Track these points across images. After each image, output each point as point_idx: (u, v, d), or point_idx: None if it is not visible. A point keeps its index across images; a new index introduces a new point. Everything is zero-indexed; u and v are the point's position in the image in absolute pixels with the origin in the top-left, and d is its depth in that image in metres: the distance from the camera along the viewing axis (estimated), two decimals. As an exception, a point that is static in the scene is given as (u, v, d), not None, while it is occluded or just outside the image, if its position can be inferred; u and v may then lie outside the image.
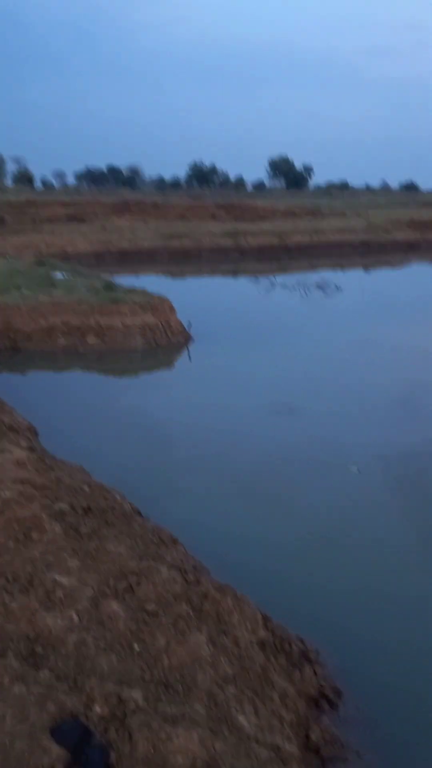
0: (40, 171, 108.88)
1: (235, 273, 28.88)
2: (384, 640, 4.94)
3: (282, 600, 5.36)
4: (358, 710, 4.25)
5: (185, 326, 15.23)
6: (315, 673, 4.39)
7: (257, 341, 14.99)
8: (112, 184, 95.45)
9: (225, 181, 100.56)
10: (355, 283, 25.74)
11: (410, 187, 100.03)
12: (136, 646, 3.97)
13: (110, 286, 16.72)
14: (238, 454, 8.44)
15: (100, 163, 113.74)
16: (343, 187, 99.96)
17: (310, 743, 3.84)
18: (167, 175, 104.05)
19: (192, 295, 22.13)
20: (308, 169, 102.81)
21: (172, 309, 15.43)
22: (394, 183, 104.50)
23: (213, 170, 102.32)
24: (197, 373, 12.94)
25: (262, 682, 4.09)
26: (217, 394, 11.10)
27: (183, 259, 30.68)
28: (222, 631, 4.40)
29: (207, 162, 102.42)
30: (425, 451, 8.41)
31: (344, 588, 5.63)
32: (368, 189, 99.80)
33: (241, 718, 3.63)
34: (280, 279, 24.06)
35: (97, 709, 3.38)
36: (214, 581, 5.10)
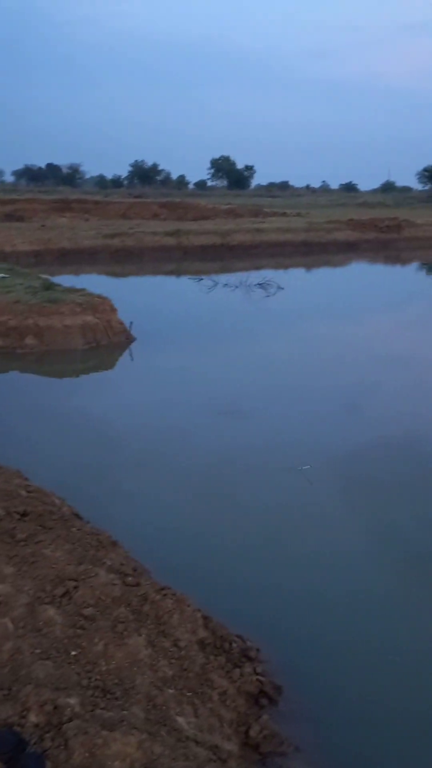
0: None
1: (177, 272, 28.83)
2: (325, 638, 5.02)
3: (224, 600, 5.39)
4: (298, 706, 4.30)
5: (127, 326, 15.11)
6: (255, 670, 4.41)
7: (200, 341, 15.01)
8: (51, 183, 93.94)
9: (167, 180, 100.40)
10: (296, 282, 26.06)
11: (350, 188, 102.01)
12: (73, 652, 3.92)
13: (49, 286, 16.44)
14: (181, 455, 8.42)
15: (39, 161, 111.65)
16: (284, 187, 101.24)
17: (249, 740, 3.87)
18: (108, 174, 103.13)
19: (134, 295, 21.98)
20: (250, 169, 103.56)
21: (113, 308, 15.28)
22: (334, 184, 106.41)
23: (155, 169, 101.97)
24: (139, 373, 12.86)
25: (201, 682, 4.09)
26: (160, 395, 11.06)
27: (125, 259, 30.44)
28: (161, 632, 4.38)
29: (149, 161, 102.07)
30: (370, 451, 8.54)
31: (287, 587, 5.69)
32: (309, 189, 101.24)
33: (180, 720, 3.62)
34: (222, 278, 24.14)
35: (33, 717, 3.32)
36: (155, 583, 5.07)
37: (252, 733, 3.90)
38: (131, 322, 15.15)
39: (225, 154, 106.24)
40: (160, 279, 27.45)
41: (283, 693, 4.37)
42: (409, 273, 31.15)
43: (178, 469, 7.99)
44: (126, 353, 14.24)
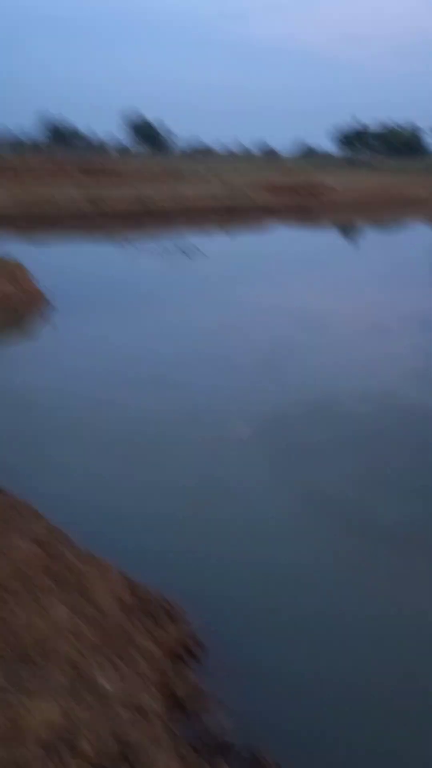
0: None
1: (97, 239, 28.20)
2: (250, 600, 5.12)
3: (152, 566, 5.41)
4: (222, 663, 4.40)
5: (46, 294, 14.72)
6: (180, 631, 4.49)
7: (123, 309, 14.79)
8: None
9: (86, 143, 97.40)
10: (218, 247, 25.99)
11: (270, 153, 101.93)
12: (-6, 625, 3.86)
13: (-38, 254, 15.77)
14: (106, 425, 8.31)
15: None
16: (205, 151, 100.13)
17: (174, 698, 3.94)
18: (23, 135, 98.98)
19: (53, 262, 21.38)
20: (170, 133, 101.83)
21: (31, 276, 14.84)
22: (255, 148, 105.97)
23: (73, 131, 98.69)
24: (60, 343, 12.57)
25: (126, 645, 4.13)
26: (83, 365, 10.86)
27: (42, 225, 29.48)
28: (86, 600, 4.38)
29: (65, 122, 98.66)
30: (298, 414, 8.68)
31: (214, 552, 5.73)
32: (229, 153, 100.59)
33: (104, 683, 3.65)
34: (143, 244, 23.80)
35: None
36: (78, 552, 5.05)
37: (177, 691, 3.97)
38: (51, 291, 14.77)
39: (145, 116, 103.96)
40: (79, 246, 26.79)
41: (207, 651, 4.46)
42: (327, 237, 31.62)
43: (103, 439, 7.90)
44: (46, 323, 13.88)
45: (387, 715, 4.06)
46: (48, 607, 4.09)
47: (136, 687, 3.79)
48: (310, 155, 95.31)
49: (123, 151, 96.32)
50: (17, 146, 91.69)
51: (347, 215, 37.86)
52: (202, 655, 4.41)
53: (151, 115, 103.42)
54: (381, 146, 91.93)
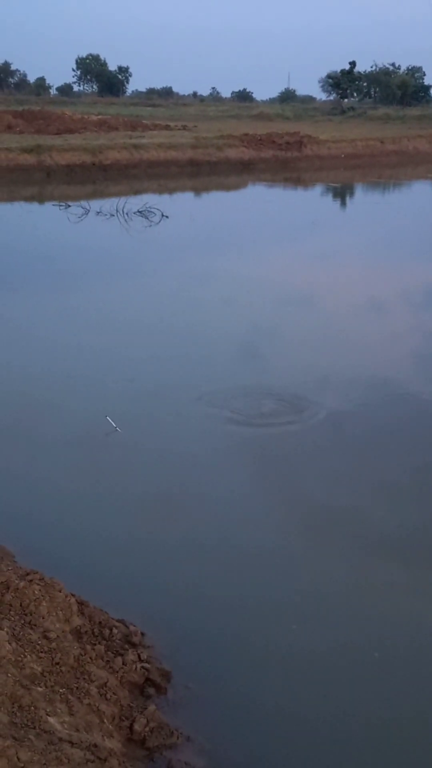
0: None
1: (38, 198, 27.93)
2: (216, 619, 5.19)
3: (104, 584, 5.45)
4: (189, 692, 4.47)
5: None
6: (139, 657, 4.54)
7: (67, 283, 14.70)
8: None
9: (23, 83, 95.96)
10: (183, 208, 25.96)
11: (244, 97, 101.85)
12: None
13: None
14: (45, 423, 8.25)
15: None
16: (167, 94, 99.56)
17: (134, 735, 3.99)
18: None
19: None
20: (124, 71, 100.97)
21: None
22: (226, 91, 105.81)
23: (7, 69, 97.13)
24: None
25: (77, 676, 4.17)
26: (15, 352, 10.75)
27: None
28: (28, 623, 4.40)
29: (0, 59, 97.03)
30: (270, 394, 8.82)
31: (173, 566, 5.80)
32: (196, 97, 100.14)
33: (52, 720, 3.68)
34: (94, 205, 23.64)
35: None
36: (18, 568, 5.07)
37: (137, 726, 4.02)
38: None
39: (94, 52, 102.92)
40: (16, 206, 26.50)
41: (172, 680, 4.52)
42: (312, 197, 31.76)
43: (44, 440, 7.87)
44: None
45: (375, 751, 4.17)
46: (-16, 632, 4.10)
47: (90, 723, 3.83)
48: (291, 100, 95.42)
49: (69, 92, 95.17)
50: None
51: (336, 172, 38.05)
52: (166, 684, 4.47)
53: (102, 51, 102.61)
54: (375, 91, 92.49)
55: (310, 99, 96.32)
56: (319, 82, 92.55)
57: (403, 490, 7.06)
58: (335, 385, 9.46)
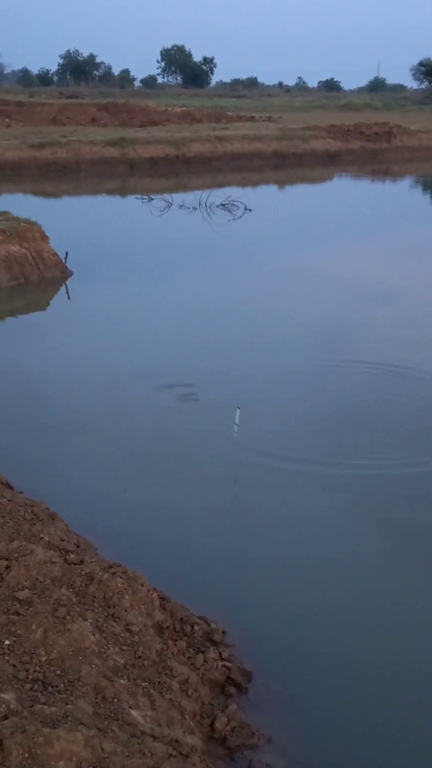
0: None
1: (122, 191, 28.39)
2: (300, 616, 5.22)
3: (185, 577, 5.55)
4: (271, 693, 4.50)
5: (61, 258, 14.93)
6: (220, 655, 4.59)
7: (150, 275, 14.93)
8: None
9: (108, 76, 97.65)
10: (267, 201, 25.94)
11: (331, 86, 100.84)
12: (6, 641, 4.01)
13: (-36, 209, 16.08)
14: (127, 414, 8.45)
15: None
16: (252, 84, 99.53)
17: (215, 733, 4.05)
18: (34, 68, 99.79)
19: (69, 220, 21.67)
20: (209, 62, 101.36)
21: (44, 236, 15.08)
22: (312, 81, 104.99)
23: (92, 61, 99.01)
24: (78, 315, 12.78)
25: (159, 671, 4.25)
26: (101, 342, 11.01)
27: (57, 174, 29.81)
28: (111, 616, 4.50)
29: (84, 51, 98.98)
30: (361, 411, 8.68)
31: (256, 558, 5.87)
32: (281, 88, 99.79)
33: (135, 713, 3.76)
34: (177, 198, 23.87)
35: (-39, 717, 3.41)
36: (102, 560, 5.19)
37: (218, 725, 4.08)
38: (66, 253, 14.97)
39: (178, 43, 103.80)
40: (100, 199, 27.02)
41: (252, 679, 4.56)
42: (402, 190, 31.24)
43: (123, 431, 8.04)
44: (61, 290, 14.09)
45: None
46: (68, 622, 4.21)
47: (171, 718, 3.90)
48: (380, 89, 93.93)
49: (153, 84, 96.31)
50: (25, 79, 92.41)
51: (428, 164, 37.29)
52: (247, 684, 4.51)
53: (187, 42, 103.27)
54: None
55: (400, 88, 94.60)
56: (411, 70, 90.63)
57: None
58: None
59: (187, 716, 4.04)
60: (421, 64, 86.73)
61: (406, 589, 5.59)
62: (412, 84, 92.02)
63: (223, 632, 4.88)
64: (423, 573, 5.77)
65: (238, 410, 7.28)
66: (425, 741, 4.22)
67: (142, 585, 4.89)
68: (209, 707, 4.23)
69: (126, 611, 4.60)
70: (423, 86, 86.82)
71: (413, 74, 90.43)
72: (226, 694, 4.42)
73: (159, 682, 4.17)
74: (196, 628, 4.82)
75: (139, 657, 4.25)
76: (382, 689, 4.59)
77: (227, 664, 4.55)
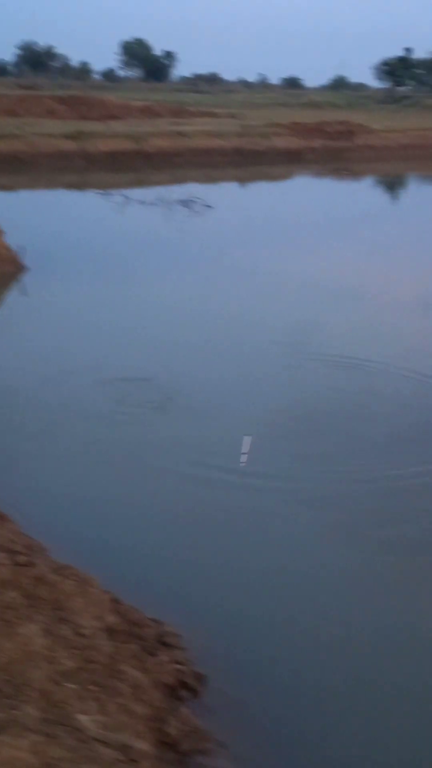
0: None
1: (80, 185, 28.20)
2: (256, 618, 5.21)
3: (138, 580, 5.50)
4: (224, 697, 4.48)
5: (17, 253, 14.77)
6: (173, 658, 4.56)
7: (109, 271, 14.84)
8: None
9: (66, 68, 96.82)
10: (228, 199, 25.99)
11: (293, 84, 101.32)
12: None
13: None
14: (82, 413, 8.36)
15: None
16: (213, 80, 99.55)
17: (166, 738, 4.01)
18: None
19: (25, 214, 21.45)
20: (170, 56, 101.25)
21: (-2, 231, 14.91)
22: (274, 78, 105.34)
23: (50, 53, 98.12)
24: (34, 311, 12.64)
25: (110, 675, 4.20)
26: (57, 340, 10.88)
27: (13, 167, 29.47)
28: (61, 619, 4.45)
29: (42, 42, 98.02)
30: (329, 409, 8.68)
31: (211, 561, 5.84)
32: (243, 84, 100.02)
33: (84, 718, 3.72)
34: (136, 193, 23.78)
35: None
36: (52, 562, 5.13)
37: (170, 729, 4.05)
38: (23, 248, 14.81)
39: (139, 36, 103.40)
40: (58, 193, 26.81)
41: (206, 683, 4.53)
42: (364, 190, 31.54)
43: (74, 430, 7.95)
44: (16, 287, 13.94)
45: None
46: (16, 625, 4.16)
47: (121, 723, 3.86)
48: (342, 87, 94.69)
49: (112, 77, 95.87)
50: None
51: (389, 164, 37.72)
52: (200, 687, 4.48)
53: (147, 35, 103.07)
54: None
55: (362, 87, 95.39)
56: (373, 69, 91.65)
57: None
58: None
59: (137, 721, 4.00)
60: (383, 63, 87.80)
61: (359, 590, 5.62)
62: (374, 83, 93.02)
63: (177, 635, 4.85)
64: (372, 571, 5.81)
65: (246, 438, 7.13)
66: (376, 745, 4.24)
67: (94, 587, 4.85)
68: (161, 711, 4.19)
69: (77, 614, 4.55)
70: (385, 85, 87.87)
71: (376, 73, 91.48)
72: (178, 698, 4.39)
73: (110, 686, 4.12)
74: (149, 630, 4.78)
75: (90, 661, 4.20)
76: (336, 694, 4.60)
77: (180, 667, 4.52)
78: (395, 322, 12.09)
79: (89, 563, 5.28)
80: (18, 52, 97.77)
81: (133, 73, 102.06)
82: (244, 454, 7.12)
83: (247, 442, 7.13)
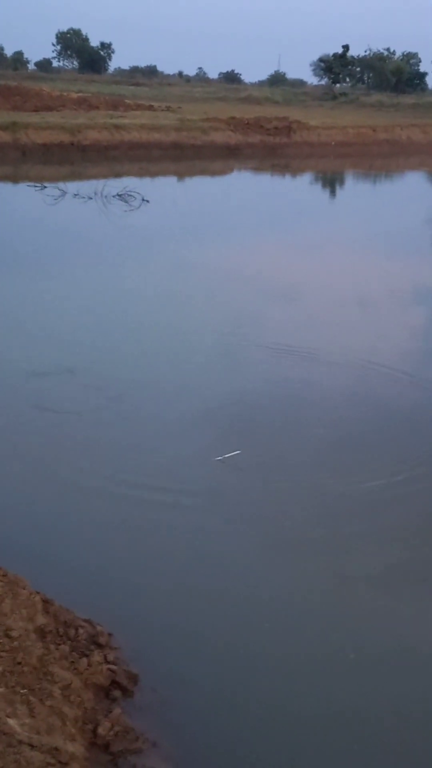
0: None
1: (13, 178, 27.76)
2: (188, 618, 5.22)
3: (70, 581, 5.46)
4: (157, 695, 4.48)
5: None
6: (105, 658, 4.54)
7: (41, 268, 14.64)
8: None
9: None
10: (165, 193, 25.92)
11: (231, 78, 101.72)
12: None
13: None
14: (5, 408, 8.24)
15: None
16: (151, 72, 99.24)
17: (98, 739, 4.00)
18: None
19: None
20: (107, 48, 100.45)
21: None
22: (213, 72, 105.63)
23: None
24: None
25: (39, 677, 4.16)
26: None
27: None
28: (-11, 621, 4.39)
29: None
30: (259, 403, 8.78)
31: (143, 562, 5.83)
32: (182, 77, 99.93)
33: (12, 722, 3.68)
34: (72, 187, 23.52)
35: None
36: (-20, 563, 5.06)
37: (101, 730, 4.03)
38: None
39: (75, 26, 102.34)
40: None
41: (139, 683, 4.53)
42: (301, 186, 31.83)
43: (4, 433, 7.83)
44: None
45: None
46: None
47: (52, 726, 3.83)
48: (280, 83, 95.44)
49: (48, 68, 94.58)
50: None
51: (326, 160, 38.15)
52: (133, 687, 4.48)
53: (84, 26, 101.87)
54: (368, 77, 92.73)
55: (300, 83, 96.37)
56: (311, 65, 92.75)
57: None
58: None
59: (68, 723, 3.98)
60: (320, 60, 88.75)
61: (286, 592, 5.68)
62: (311, 79, 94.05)
63: (109, 635, 4.83)
64: (303, 571, 5.88)
65: (236, 452, 7.28)
66: (308, 744, 4.30)
67: (24, 588, 4.79)
68: (92, 712, 4.18)
69: (5, 616, 4.49)
70: (322, 82, 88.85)
71: (313, 70, 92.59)
72: (110, 698, 4.38)
73: (39, 689, 4.09)
74: (81, 631, 4.75)
75: (19, 663, 4.16)
76: (270, 694, 4.64)
77: (112, 667, 4.51)
78: (329, 315, 12.28)
79: (19, 565, 5.22)
80: None
81: (69, 64, 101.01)
82: (223, 457, 7.24)
83: (231, 455, 7.26)
